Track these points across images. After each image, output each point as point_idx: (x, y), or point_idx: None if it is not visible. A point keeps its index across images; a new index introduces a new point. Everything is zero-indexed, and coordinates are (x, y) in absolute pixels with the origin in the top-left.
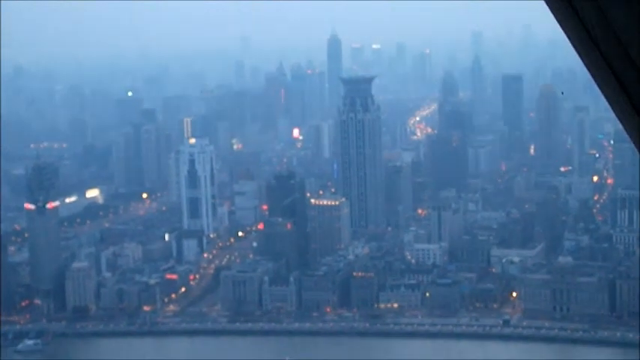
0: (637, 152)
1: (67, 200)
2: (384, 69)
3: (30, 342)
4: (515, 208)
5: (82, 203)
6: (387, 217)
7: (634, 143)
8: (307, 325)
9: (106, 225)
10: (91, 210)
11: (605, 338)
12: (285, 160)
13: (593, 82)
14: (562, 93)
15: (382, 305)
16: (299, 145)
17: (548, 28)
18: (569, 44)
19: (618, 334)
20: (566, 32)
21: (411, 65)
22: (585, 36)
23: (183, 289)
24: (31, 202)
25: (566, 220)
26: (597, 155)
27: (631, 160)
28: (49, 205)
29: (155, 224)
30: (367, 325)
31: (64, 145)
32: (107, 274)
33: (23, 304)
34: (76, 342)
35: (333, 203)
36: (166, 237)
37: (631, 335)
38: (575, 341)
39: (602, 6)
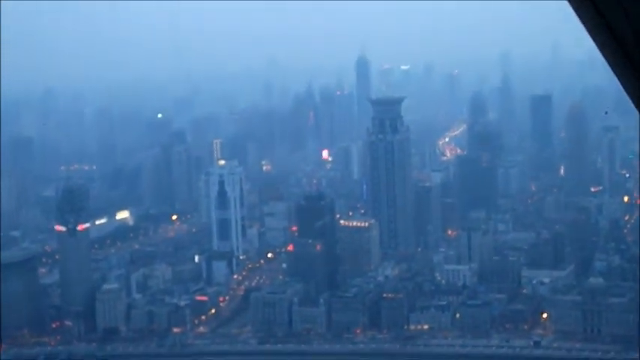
0: None
1: (97, 222)
2: (413, 90)
3: None
4: (546, 229)
5: (112, 225)
6: (417, 238)
7: None
8: (337, 347)
9: (136, 246)
10: (121, 231)
11: None
12: (314, 181)
13: (622, 101)
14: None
15: (412, 326)
16: (328, 166)
17: (577, 47)
18: (598, 63)
19: None
20: (592, 36)
21: (440, 86)
22: (612, 43)
23: (212, 311)
24: (61, 224)
25: (597, 241)
26: (628, 175)
27: None
28: (79, 227)
29: (185, 245)
30: (397, 346)
31: (94, 167)
32: (137, 296)
33: (54, 325)
34: None
35: (362, 224)
36: (196, 258)
37: None
38: None
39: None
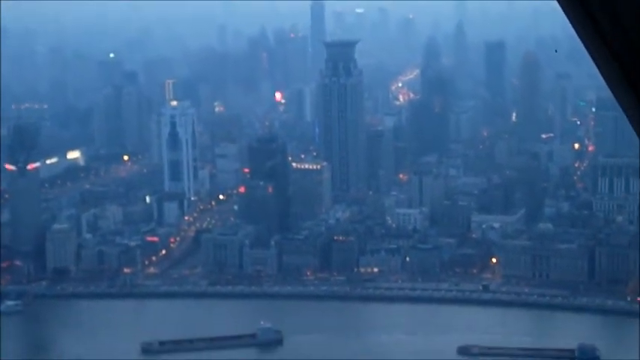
0: (619, 120)
1: (48, 161)
2: (367, 34)
3: (10, 303)
4: (496, 174)
5: (63, 164)
6: (369, 181)
7: None
8: (288, 289)
9: (87, 186)
10: (72, 171)
11: (584, 305)
12: (267, 123)
13: (576, 50)
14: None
15: (362, 269)
16: (281, 108)
17: None
18: (553, 13)
19: (597, 300)
20: (576, 30)
21: (395, 30)
22: (597, 37)
23: (163, 252)
24: (11, 163)
25: (547, 187)
26: (579, 122)
27: (612, 128)
28: (29, 166)
29: (136, 186)
30: (347, 288)
31: (45, 106)
32: (87, 236)
33: (4, 265)
34: (56, 303)
35: (314, 167)
36: (147, 199)
37: (610, 302)
38: (554, 307)
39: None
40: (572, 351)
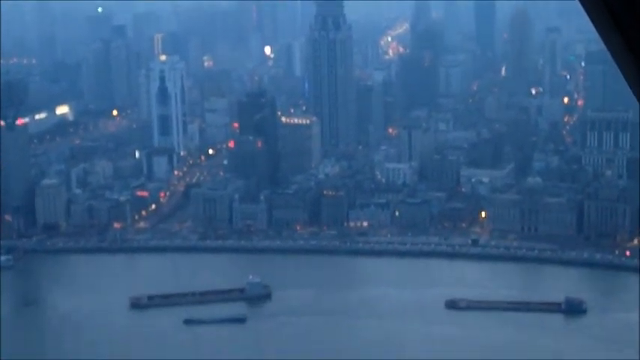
0: (608, 74)
1: (37, 117)
2: None
3: (1, 258)
4: (486, 129)
5: (52, 120)
6: (358, 136)
7: None
8: (277, 243)
9: (76, 142)
10: (61, 126)
11: (573, 258)
12: (256, 78)
13: (566, 4)
14: None
15: (352, 224)
16: (270, 63)
17: None
18: None
19: (585, 254)
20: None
21: None
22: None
23: (153, 207)
24: (0, 119)
25: (536, 141)
26: (568, 77)
27: (602, 82)
28: (18, 122)
29: (125, 141)
30: (337, 243)
31: (34, 61)
32: (77, 191)
33: None
34: (46, 258)
35: (303, 122)
36: (137, 154)
37: (598, 256)
38: (542, 261)
39: None
40: (559, 304)
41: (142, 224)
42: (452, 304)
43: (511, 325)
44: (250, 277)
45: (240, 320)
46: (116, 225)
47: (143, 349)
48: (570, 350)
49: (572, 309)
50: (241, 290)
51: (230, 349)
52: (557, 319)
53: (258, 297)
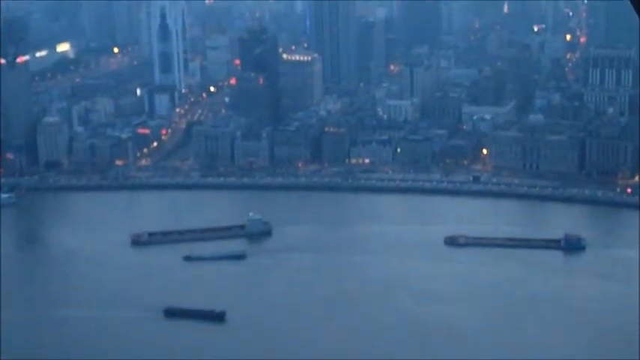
0: (611, 11)
1: (38, 54)
2: None
3: (4, 196)
4: (488, 66)
5: (53, 57)
6: (360, 72)
7: None
8: (279, 180)
9: (77, 79)
10: (62, 64)
11: (574, 195)
12: (257, 14)
13: None
14: None
15: (354, 160)
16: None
17: None
18: None
19: (587, 191)
20: None
21: None
22: None
23: (155, 144)
24: (0, 57)
25: (538, 78)
26: (571, 14)
27: (604, 19)
28: (19, 59)
29: (126, 79)
30: (338, 179)
31: None
32: (79, 129)
33: None
34: (48, 196)
35: (305, 59)
36: (138, 92)
37: (599, 193)
38: (543, 198)
39: None
40: (558, 241)
41: (143, 162)
42: (451, 241)
43: (509, 261)
44: (251, 213)
45: (239, 257)
46: (118, 162)
47: (142, 285)
48: (568, 286)
49: (571, 246)
50: (242, 227)
51: (228, 284)
52: (556, 256)
53: (258, 233)
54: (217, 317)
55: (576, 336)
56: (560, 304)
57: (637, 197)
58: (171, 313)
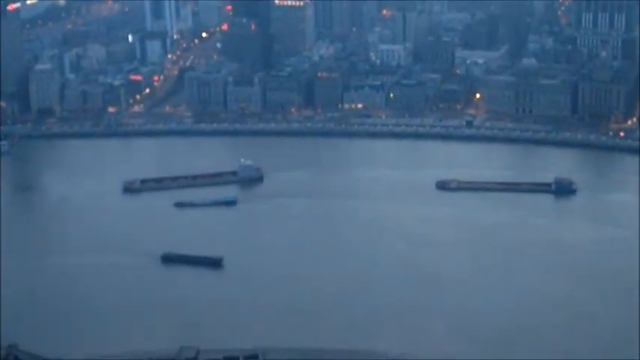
0: None
1: (28, 2)
2: None
3: None
4: (480, 10)
5: (44, 4)
6: (352, 17)
7: None
8: (272, 126)
9: (69, 26)
10: (53, 11)
11: (567, 139)
12: None
13: None
14: None
15: (346, 106)
16: None
17: None
18: None
19: (579, 135)
20: None
21: None
22: None
23: (147, 91)
24: None
25: (531, 22)
26: None
27: None
28: (9, 7)
29: (118, 25)
30: (332, 125)
31: None
32: (71, 76)
33: None
34: (41, 143)
35: (297, 4)
36: (130, 38)
37: (592, 137)
38: (536, 142)
39: None
40: (549, 184)
41: (136, 108)
42: (442, 185)
43: (500, 205)
44: (242, 159)
45: (230, 203)
46: (110, 109)
47: (135, 232)
48: (559, 229)
49: (562, 189)
50: (233, 173)
51: (221, 230)
52: (546, 199)
53: (250, 179)
54: (215, 263)
55: (570, 278)
56: (552, 247)
57: (629, 141)
58: (169, 259)
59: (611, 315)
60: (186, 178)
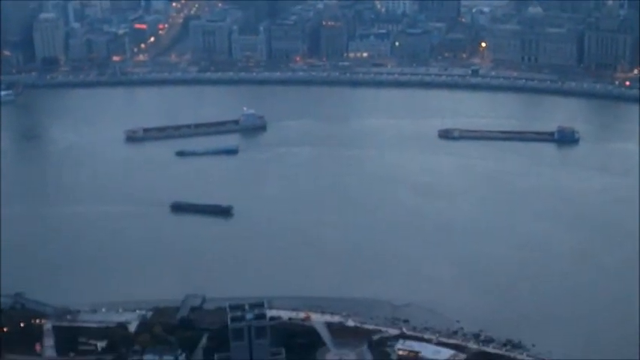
0: None
1: None
2: None
3: (2, 93)
4: None
5: None
6: None
7: None
8: (277, 75)
9: None
10: None
11: (572, 89)
12: None
13: None
14: None
15: (352, 54)
16: None
17: None
18: None
19: (585, 85)
20: None
21: None
22: None
23: (152, 39)
24: None
25: None
26: None
27: None
28: None
29: None
30: (337, 74)
31: None
32: (75, 25)
33: None
34: (47, 92)
35: None
36: None
37: (598, 86)
38: (542, 91)
39: None
40: (551, 133)
41: (140, 57)
42: (445, 134)
43: (502, 153)
44: (245, 108)
45: (231, 151)
46: (115, 58)
47: (135, 181)
48: (559, 178)
49: (565, 138)
50: (236, 122)
51: (220, 178)
52: (549, 148)
53: (252, 128)
54: (224, 211)
55: (567, 225)
56: (552, 195)
57: (635, 90)
58: (179, 208)
59: (611, 264)
60: (188, 126)
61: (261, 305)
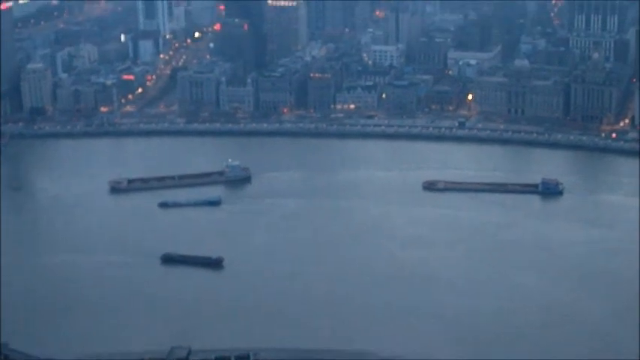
0: None
1: (21, 1)
2: None
3: None
4: (473, 11)
5: (36, 4)
6: (345, 18)
7: None
8: (264, 126)
9: (61, 26)
10: (45, 10)
11: (559, 141)
12: None
13: None
14: None
15: (339, 106)
16: None
17: None
18: None
19: (571, 136)
20: None
21: None
22: None
23: (139, 90)
24: None
25: (524, 23)
26: None
27: None
28: (2, 6)
29: (110, 25)
30: (324, 125)
31: None
32: (63, 75)
33: None
34: (34, 142)
35: (290, 4)
36: (122, 38)
37: (584, 138)
38: (529, 143)
39: None
40: (535, 185)
41: (128, 108)
42: (429, 186)
43: (486, 205)
44: (230, 159)
45: (214, 203)
46: (102, 109)
47: (121, 232)
48: (542, 230)
49: (549, 190)
50: (220, 173)
51: (203, 230)
52: (533, 200)
53: (237, 180)
54: (215, 263)
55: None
56: (537, 247)
57: (622, 142)
58: (169, 259)
59: (597, 317)
60: (172, 178)
61: (246, 357)
